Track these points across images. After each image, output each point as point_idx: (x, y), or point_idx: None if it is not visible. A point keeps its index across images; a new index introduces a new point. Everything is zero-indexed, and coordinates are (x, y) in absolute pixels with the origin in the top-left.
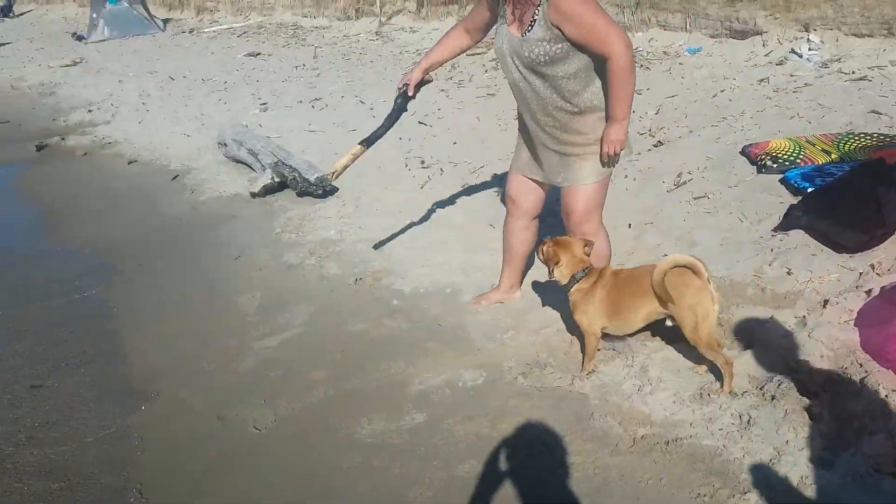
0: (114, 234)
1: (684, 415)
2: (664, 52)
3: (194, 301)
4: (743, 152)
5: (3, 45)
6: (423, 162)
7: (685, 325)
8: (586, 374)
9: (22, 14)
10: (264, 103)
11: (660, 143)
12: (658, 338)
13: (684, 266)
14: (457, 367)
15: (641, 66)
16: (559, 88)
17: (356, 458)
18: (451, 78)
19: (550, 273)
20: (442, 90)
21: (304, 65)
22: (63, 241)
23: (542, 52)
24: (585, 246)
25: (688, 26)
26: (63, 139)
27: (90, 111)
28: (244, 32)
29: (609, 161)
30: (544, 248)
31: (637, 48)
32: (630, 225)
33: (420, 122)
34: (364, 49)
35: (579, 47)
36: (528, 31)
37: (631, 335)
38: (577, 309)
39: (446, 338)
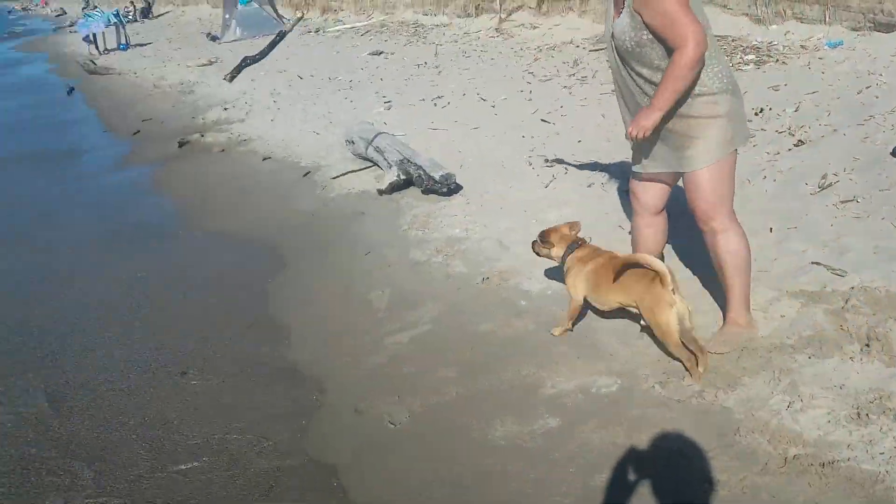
0: (253, 231)
1: (840, 435)
2: (802, 46)
3: (330, 295)
4: (894, 153)
5: (146, 45)
6: (546, 160)
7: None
8: (557, 332)
9: (160, 15)
10: (388, 101)
11: (801, 142)
12: (806, 352)
13: (655, 272)
14: (589, 372)
15: (777, 60)
16: (654, 75)
17: (491, 461)
18: (573, 75)
19: (551, 257)
20: (565, 87)
21: (425, 63)
22: (206, 233)
23: (628, 39)
24: (571, 228)
25: (827, 18)
26: (202, 136)
27: (226, 109)
28: (367, 31)
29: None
30: (536, 241)
31: (772, 42)
32: (771, 229)
33: (543, 121)
34: (484, 46)
35: (655, 35)
36: (619, 18)
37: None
38: (568, 273)
39: (576, 341)
